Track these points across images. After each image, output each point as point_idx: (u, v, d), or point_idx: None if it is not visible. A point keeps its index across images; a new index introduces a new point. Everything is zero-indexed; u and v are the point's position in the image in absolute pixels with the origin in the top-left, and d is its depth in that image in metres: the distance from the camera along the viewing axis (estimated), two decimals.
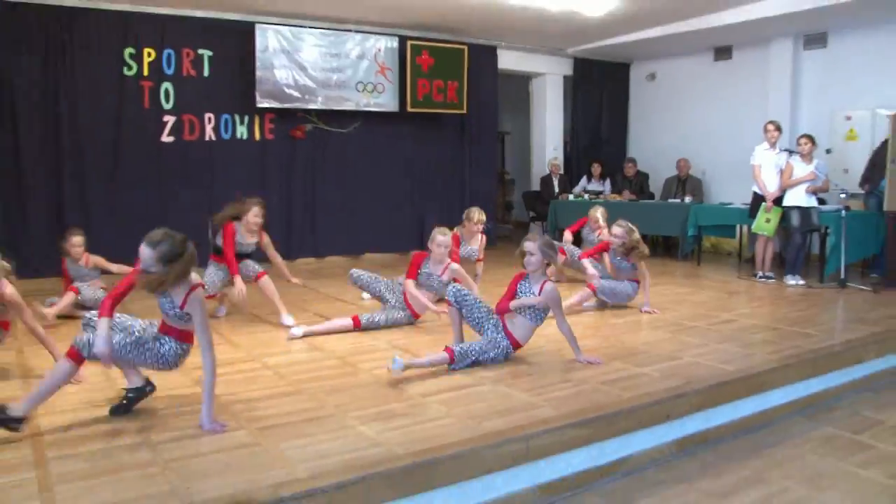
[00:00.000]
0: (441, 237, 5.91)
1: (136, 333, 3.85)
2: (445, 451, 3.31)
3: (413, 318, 6.03)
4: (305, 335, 5.62)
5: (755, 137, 9.06)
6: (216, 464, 3.19)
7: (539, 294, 4.80)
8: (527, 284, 4.87)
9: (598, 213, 8.31)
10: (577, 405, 3.97)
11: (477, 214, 7.60)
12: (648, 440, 4.02)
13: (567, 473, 3.66)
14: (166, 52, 9.09)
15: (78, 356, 3.58)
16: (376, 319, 5.87)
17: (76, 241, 6.60)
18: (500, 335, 4.86)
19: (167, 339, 3.80)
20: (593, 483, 3.71)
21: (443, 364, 4.66)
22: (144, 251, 3.57)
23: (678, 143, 11.87)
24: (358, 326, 5.79)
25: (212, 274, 6.26)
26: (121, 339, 3.72)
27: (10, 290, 4.48)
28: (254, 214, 6.31)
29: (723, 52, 11.55)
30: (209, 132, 9.47)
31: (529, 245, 4.81)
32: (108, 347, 3.57)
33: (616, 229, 6.62)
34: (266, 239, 6.47)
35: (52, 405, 3.87)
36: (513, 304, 4.85)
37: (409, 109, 10.61)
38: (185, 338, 3.82)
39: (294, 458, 3.23)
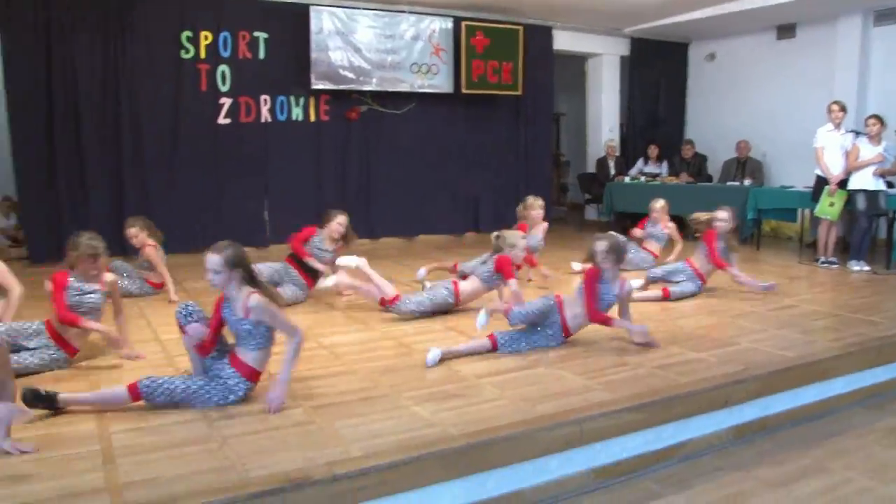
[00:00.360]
0: (522, 241, 5.86)
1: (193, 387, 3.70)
2: (499, 433, 3.30)
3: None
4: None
5: (818, 119, 8.78)
6: (272, 441, 3.24)
7: (621, 292, 4.80)
8: (607, 286, 4.78)
9: (659, 205, 8.15)
10: (633, 389, 3.93)
11: (534, 200, 7.47)
12: (705, 426, 3.96)
13: (622, 457, 3.63)
14: (223, 34, 9.18)
15: (137, 396, 3.57)
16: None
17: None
18: (556, 330, 4.80)
19: (233, 372, 3.75)
20: (649, 468, 3.67)
21: (483, 350, 4.64)
22: (212, 257, 3.67)
23: (738, 125, 11.59)
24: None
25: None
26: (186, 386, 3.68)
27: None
28: (337, 223, 6.38)
29: (786, 30, 11.22)
30: (265, 114, 9.56)
31: (601, 246, 4.73)
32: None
33: (723, 213, 6.56)
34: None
35: (116, 380, 3.97)
36: (617, 322, 4.82)
37: (464, 91, 10.55)
38: (251, 376, 3.79)
39: (348, 437, 3.26)
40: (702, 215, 6.67)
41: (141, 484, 2.81)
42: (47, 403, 3.53)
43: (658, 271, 6.72)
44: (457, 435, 3.27)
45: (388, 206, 10.47)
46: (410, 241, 10.51)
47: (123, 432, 3.35)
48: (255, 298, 3.68)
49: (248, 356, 3.75)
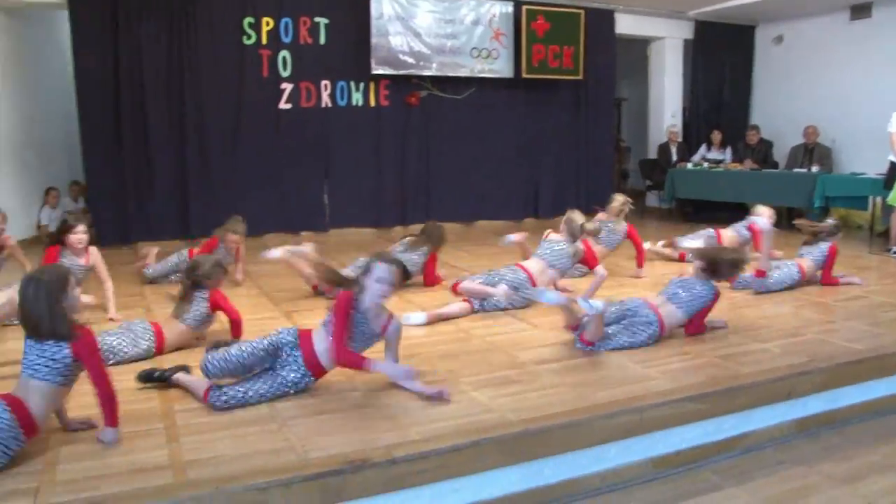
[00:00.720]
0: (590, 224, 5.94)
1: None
2: (558, 420, 3.29)
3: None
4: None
5: (893, 103, 8.48)
6: (331, 423, 3.29)
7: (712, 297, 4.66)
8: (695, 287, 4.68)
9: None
10: (694, 378, 3.87)
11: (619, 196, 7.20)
12: (768, 418, 3.87)
13: (682, 448, 3.58)
14: (284, 20, 9.27)
15: (207, 398, 3.49)
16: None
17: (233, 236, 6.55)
18: (654, 329, 4.55)
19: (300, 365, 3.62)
20: (709, 459, 3.62)
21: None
22: (392, 269, 3.58)
23: (806, 110, 11.25)
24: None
25: None
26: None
27: None
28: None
29: (860, 11, 10.81)
30: (325, 99, 9.64)
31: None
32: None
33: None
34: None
35: (170, 360, 4.07)
36: (707, 320, 4.73)
37: (524, 76, 10.48)
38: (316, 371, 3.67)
39: (407, 421, 3.28)
40: (820, 225, 6.47)
41: (203, 462, 2.88)
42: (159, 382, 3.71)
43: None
44: (515, 421, 3.28)
45: (447, 191, 10.48)
46: (469, 227, 10.50)
47: (186, 411, 3.44)
48: (397, 322, 3.76)
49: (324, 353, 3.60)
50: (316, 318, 4.35)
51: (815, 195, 9.22)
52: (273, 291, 6.21)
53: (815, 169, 9.93)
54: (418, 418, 3.32)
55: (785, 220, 10.75)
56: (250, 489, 2.69)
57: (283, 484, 2.73)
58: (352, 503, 2.85)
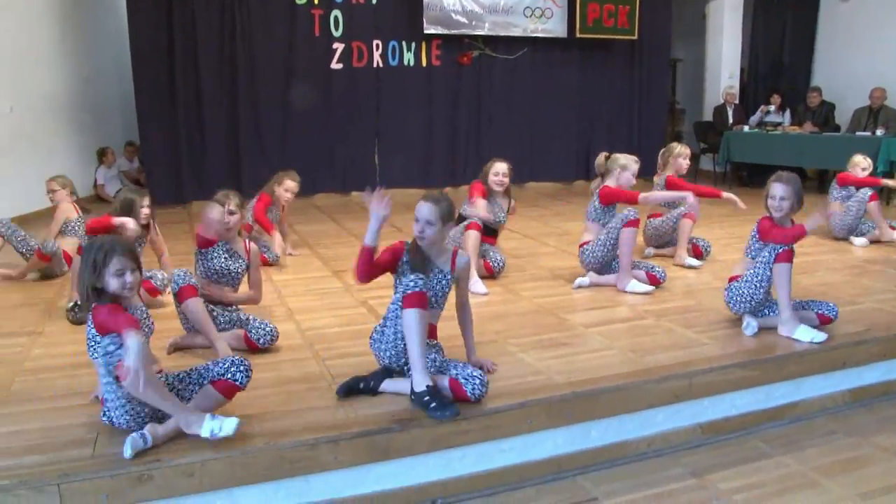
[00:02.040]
0: (635, 165, 5.30)
1: None
2: (606, 383, 3.28)
3: None
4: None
5: None
6: None
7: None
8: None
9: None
10: (744, 345, 3.81)
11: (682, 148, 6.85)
12: (821, 387, 3.81)
13: (731, 414, 3.55)
14: None
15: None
16: None
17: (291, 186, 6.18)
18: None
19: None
20: (759, 426, 3.58)
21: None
22: (430, 207, 3.24)
23: (873, 72, 10.82)
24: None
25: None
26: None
27: None
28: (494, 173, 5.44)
29: None
30: (377, 59, 9.61)
31: (780, 188, 3.95)
32: None
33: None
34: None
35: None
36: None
37: (578, 35, 10.29)
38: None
39: None
40: None
41: (253, 418, 2.93)
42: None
43: None
44: (562, 383, 3.27)
45: (499, 152, 10.20)
46: (520, 188, 10.42)
47: None
48: (464, 254, 3.44)
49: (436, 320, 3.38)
50: None
51: (880, 160, 8.91)
52: (321, 249, 6.27)
53: (880, 132, 9.59)
54: None
55: None
56: (299, 445, 2.74)
57: (332, 441, 2.77)
58: (399, 461, 2.89)
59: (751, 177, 10.83)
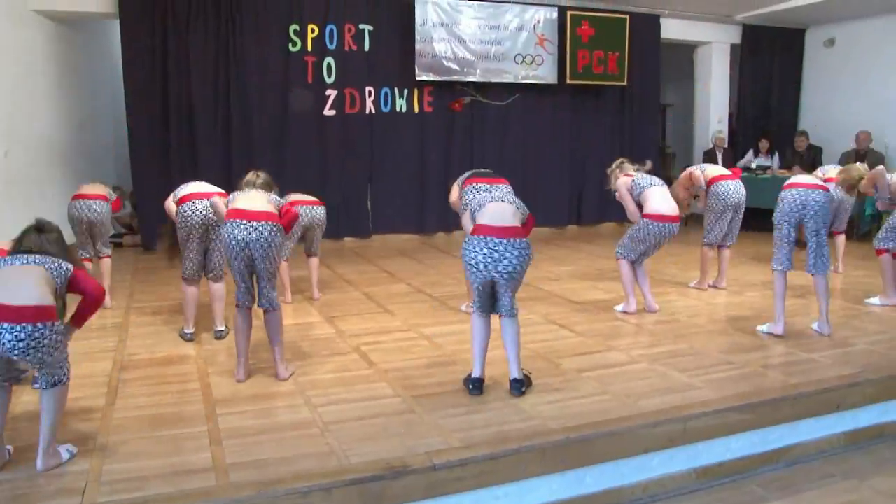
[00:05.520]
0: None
1: None
2: (600, 428, 3.27)
3: None
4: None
5: None
6: (373, 428, 3.30)
7: None
8: None
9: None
10: (739, 388, 3.81)
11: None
12: (816, 430, 3.80)
13: (726, 458, 3.53)
14: (329, 27, 9.35)
15: None
16: None
17: None
18: None
19: None
20: (754, 470, 3.56)
21: None
22: None
23: (858, 115, 10.99)
24: None
25: None
26: None
27: None
28: None
29: None
30: (369, 105, 9.70)
31: None
32: None
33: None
34: None
35: (222, 364, 4.12)
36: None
37: (569, 81, 10.42)
38: None
39: (448, 427, 3.28)
40: None
41: (246, 465, 2.92)
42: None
43: None
44: (557, 429, 3.26)
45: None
46: None
47: (229, 415, 3.48)
48: None
49: None
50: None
51: (866, 202, 9.01)
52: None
53: None
54: (459, 425, 3.31)
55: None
56: (292, 493, 2.72)
57: (324, 488, 2.75)
58: None
59: (743, 220, 10.91)
